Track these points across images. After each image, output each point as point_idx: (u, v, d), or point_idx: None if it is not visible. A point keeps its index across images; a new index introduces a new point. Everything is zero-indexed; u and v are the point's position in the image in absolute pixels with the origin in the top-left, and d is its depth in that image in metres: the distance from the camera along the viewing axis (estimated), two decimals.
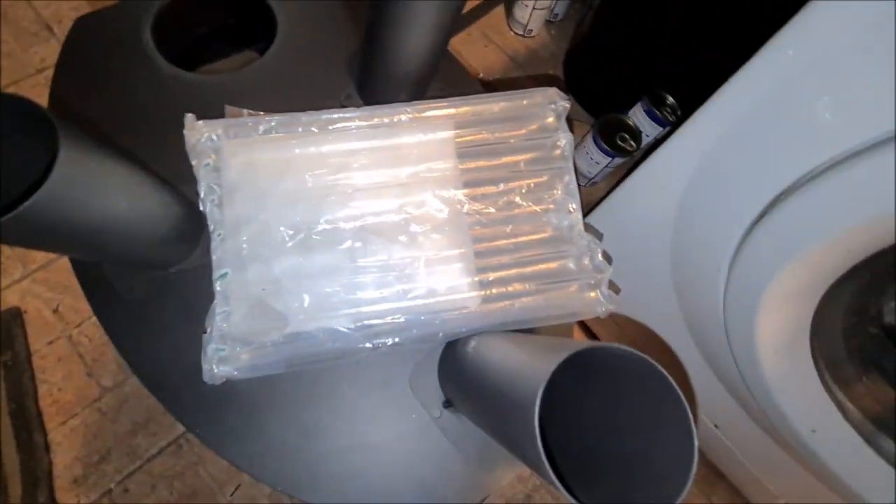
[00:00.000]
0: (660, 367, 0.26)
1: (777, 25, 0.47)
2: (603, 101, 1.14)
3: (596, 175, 1.02)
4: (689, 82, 1.00)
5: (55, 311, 0.92)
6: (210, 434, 0.45)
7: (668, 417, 0.27)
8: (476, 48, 1.24)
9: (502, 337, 0.40)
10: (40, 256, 0.95)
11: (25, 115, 0.29)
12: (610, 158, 0.97)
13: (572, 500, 0.24)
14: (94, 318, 0.95)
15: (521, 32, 1.24)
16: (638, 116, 1.01)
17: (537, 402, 0.24)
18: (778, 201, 0.50)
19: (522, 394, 0.26)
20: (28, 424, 0.86)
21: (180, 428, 0.89)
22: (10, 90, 1.09)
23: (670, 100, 1.00)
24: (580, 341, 0.28)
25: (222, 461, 0.89)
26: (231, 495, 0.87)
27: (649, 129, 1.00)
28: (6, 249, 0.95)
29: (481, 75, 1.20)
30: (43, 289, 0.94)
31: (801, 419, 0.59)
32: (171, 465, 0.88)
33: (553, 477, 0.23)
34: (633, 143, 0.97)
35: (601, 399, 0.33)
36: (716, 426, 0.84)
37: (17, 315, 0.91)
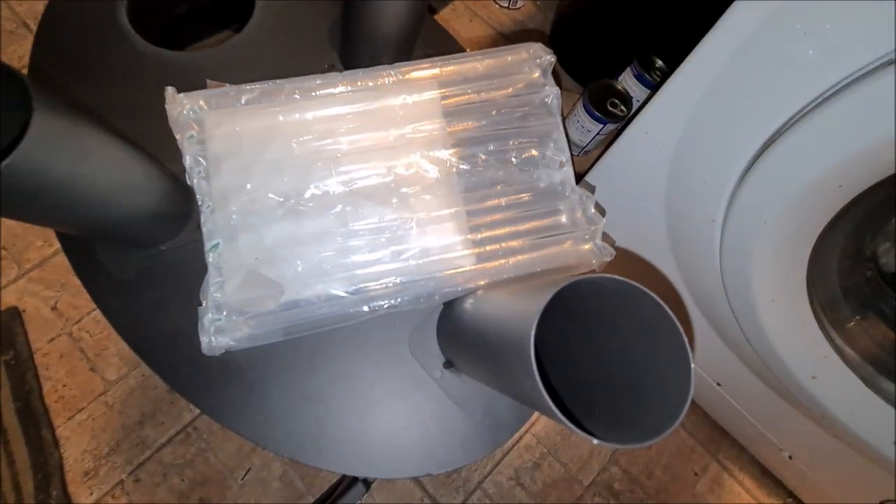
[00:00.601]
0: (651, 293, 0.26)
1: None
2: (592, 69, 1.13)
3: (588, 143, 1.02)
4: (676, 43, 0.99)
5: (53, 308, 0.92)
6: (213, 406, 0.45)
7: (664, 346, 0.27)
8: (461, 23, 1.23)
9: (496, 290, 0.40)
10: (34, 255, 0.95)
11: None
12: (601, 125, 0.96)
13: (574, 429, 0.24)
14: (94, 314, 0.96)
15: (506, 5, 1.23)
16: (628, 81, 1.00)
17: (532, 330, 0.24)
18: (767, 145, 0.50)
19: (518, 331, 0.26)
20: (36, 421, 0.86)
21: (188, 416, 0.89)
22: None
23: (659, 62, 0.99)
24: (573, 276, 0.28)
25: (231, 447, 0.90)
26: (242, 479, 0.88)
27: (640, 94, 0.99)
28: (0, 251, 0.94)
29: (467, 50, 1.19)
30: (40, 287, 0.93)
31: (801, 366, 0.59)
32: (181, 453, 0.88)
33: (553, 406, 0.23)
34: (623, 108, 0.96)
35: (595, 335, 0.33)
36: (718, 384, 0.84)
37: (15, 315, 0.91)
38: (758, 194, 0.51)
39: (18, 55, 1.10)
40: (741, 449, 0.97)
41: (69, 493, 0.84)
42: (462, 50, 0.58)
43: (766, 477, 0.96)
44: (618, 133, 0.85)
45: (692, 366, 0.24)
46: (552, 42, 1.20)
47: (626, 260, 0.78)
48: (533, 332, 0.24)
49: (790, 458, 0.84)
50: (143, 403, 0.90)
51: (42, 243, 0.95)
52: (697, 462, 0.98)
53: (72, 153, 0.30)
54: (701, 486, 0.96)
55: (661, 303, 0.25)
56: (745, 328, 0.62)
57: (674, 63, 1.03)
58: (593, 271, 0.47)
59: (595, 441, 0.23)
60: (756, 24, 0.46)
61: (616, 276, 0.26)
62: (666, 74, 0.98)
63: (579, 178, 0.77)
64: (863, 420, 0.59)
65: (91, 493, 0.84)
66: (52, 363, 0.90)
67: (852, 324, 0.57)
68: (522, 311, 0.27)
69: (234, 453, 0.89)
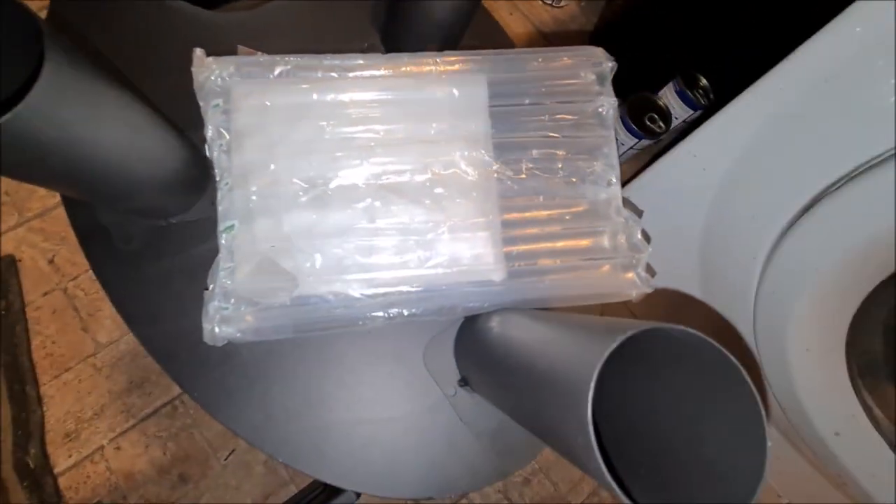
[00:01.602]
0: (727, 353, 0.23)
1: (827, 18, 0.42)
2: (631, 81, 1.08)
3: (620, 157, 0.98)
4: (723, 65, 0.95)
5: (51, 261, 0.89)
6: (208, 397, 0.42)
7: (730, 411, 0.24)
8: (500, 15, 1.18)
9: (534, 315, 0.37)
10: (37, 204, 0.91)
11: (10, 20, 0.25)
12: (637, 139, 0.92)
13: (623, 497, 0.21)
14: (91, 272, 0.93)
15: (549, 2, 1.18)
16: (668, 97, 0.96)
17: (591, 388, 0.21)
18: (828, 191, 0.46)
19: (569, 378, 0.23)
20: (21, 376, 0.84)
21: (177, 389, 0.87)
22: None
23: (703, 81, 0.95)
24: (633, 321, 0.25)
25: (218, 426, 0.88)
26: (225, 460, 0.85)
27: (679, 112, 0.95)
28: (2, 195, 0.91)
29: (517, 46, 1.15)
30: (39, 238, 0.90)
31: (826, 421, 0.56)
32: (166, 425, 0.86)
33: (606, 475, 0.20)
34: (662, 124, 0.92)
35: (646, 385, 0.30)
36: None
37: (11, 263, 0.88)
38: (810, 241, 0.48)
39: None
40: None
41: (48, 453, 0.81)
42: (512, 45, 0.54)
43: None
44: (659, 152, 0.81)
45: (768, 444, 0.21)
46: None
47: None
48: (593, 385, 0.21)
49: None
50: (132, 370, 0.87)
51: (45, 192, 0.92)
52: None
53: (83, 112, 0.27)
54: None
55: (733, 358, 0.22)
56: (769, 373, 0.58)
57: (718, 84, 0.99)
58: (627, 302, 0.44)
59: None
60: (842, 60, 0.42)
61: (690, 329, 0.23)
62: (709, 94, 0.93)
63: None
64: (883, 485, 0.57)
65: (70, 456, 0.82)
66: (44, 318, 0.87)
67: (887, 387, 0.54)
68: (576, 359, 0.23)
69: (220, 432, 0.86)
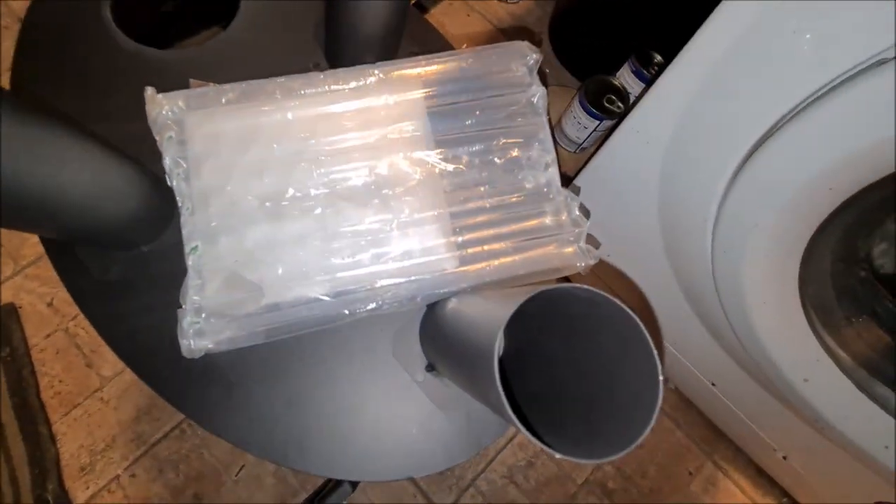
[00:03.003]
0: (616, 300, 0.25)
1: None
2: (591, 65, 1.11)
3: (585, 140, 1.00)
4: (675, 38, 0.97)
5: (49, 304, 0.93)
6: (195, 408, 0.45)
7: (635, 356, 0.26)
8: (458, 17, 1.21)
9: (476, 295, 0.39)
10: (30, 251, 0.95)
11: None
12: (598, 121, 0.95)
13: (536, 442, 0.23)
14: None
15: None
16: (626, 77, 0.98)
17: (497, 340, 0.24)
18: (758, 146, 0.49)
19: (484, 340, 0.26)
20: (32, 417, 0.87)
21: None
22: None
23: (658, 58, 0.97)
24: (547, 284, 0.28)
25: (226, 443, 0.91)
26: (236, 475, 0.88)
27: (637, 89, 0.97)
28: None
29: (465, 45, 1.18)
30: (36, 284, 0.94)
31: (794, 369, 0.59)
32: (177, 448, 0.89)
33: (513, 417, 0.23)
34: (620, 104, 0.95)
35: (567, 342, 0.33)
36: (713, 384, 0.84)
37: (12, 311, 0.92)
38: (749, 195, 0.50)
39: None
40: (737, 449, 0.97)
41: (66, 487, 0.85)
42: (450, 48, 0.57)
43: (762, 477, 0.96)
44: (610, 131, 0.83)
45: (661, 378, 0.24)
46: (551, 37, 1.18)
47: (622, 261, 0.78)
48: (498, 342, 0.24)
49: (785, 458, 0.83)
50: (138, 399, 0.90)
51: (38, 240, 0.96)
52: (692, 462, 0.97)
53: (43, 162, 0.30)
54: (695, 485, 0.96)
55: (630, 312, 0.25)
56: (737, 330, 0.61)
57: (672, 59, 1.01)
58: (579, 274, 0.47)
59: (557, 455, 0.22)
60: (748, 22, 0.45)
61: (584, 286, 0.25)
62: (664, 70, 0.96)
63: (577, 174, 0.76)
64: (856, 424, 0.59)
65: (87, 488, 0.85)
66: (49, 359, 0.91)
67: (846, 327, 0.56)
68: (491, 319, 0.26)
69: (228, 450, 0.89)
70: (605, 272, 0.80)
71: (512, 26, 1.23)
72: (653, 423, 0.23)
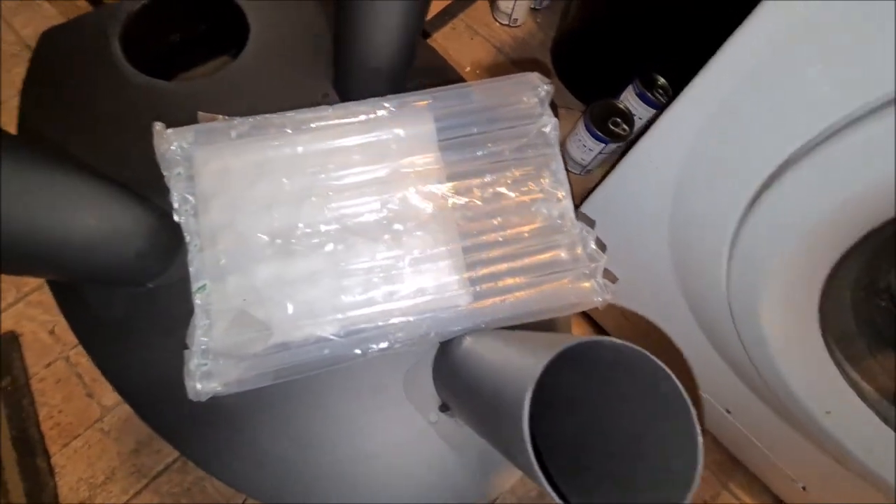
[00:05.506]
0: (656, 359, 0.24)
1: None
2: (594, 87, 1.12)
3: (590, 163, 1.00)
4: (679, 62, 0.98)
5: (51, 332, 0.92)
6: (201, 454, 0.44)
7: (668, 411, 0.25)
8: (462, 41, 1.22)
9: (494, 335, 0.38)
10: (33, 279, 0.94)
11: None
12: (603, 144, 0.95)
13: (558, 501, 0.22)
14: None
15: (506, 22, 1.22)
16: (630, 100, 0.98)
17: (526, 404, 0.22)
18: (774, 178, 0.48)
19: (512, 395, 0.25)
20: (31, 449, 0.85)
21: None
22: None
23: (662, 81, 0.97)
24: (572, 336, 0.26)
25: None
26: None
27: (642, 112, 0.97)
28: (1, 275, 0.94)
29: (468, 69, 1.18)
30: (38, 311, 0.93)
31: (815, 401, 0.57)
32: (178, 481, 0.87)
33: (545, 483, 0.21)
34: (626, 127, 0.95)
35: (600, 394, 0.31)
36: (728, 411, 0.82)
37: (13, 339, 0.90)
38: (765, 227, 0.49)
39: (21, 77, 1.11)
40: (753, 477, 0.94)
41: None
42: (460, 77, 0.56)
43: None
44: (620, 155, 0.83)
45: (699, 439, 0.22)
46: (554, 60, 1.19)
47: (632, 293, 0.76)
48: (527, 403, 0.22)
49: (804, 489, 0.81)
50: (139, 430, 0.88)
51: None
52: (707, 490, 0.95)
53: (47, 211, 0.29)
54: None
55: (669, 372, 0.24)
56: (756, 361, 0.59)
57: (676, 82, 1.01)
58: (596, 309, 0.46)
59: None
60: (767, 51, 0.44)
61: (619, 341, 0.24)
62: (669, 93, 0.96)
63: (584, 197, 0.76)
64: (879, 456, 0.57)
65: None
66: (49, 389, 0.89)
67: (868, 358, 0.55)
68: (514, 371, 0.25)
69: None
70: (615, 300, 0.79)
71: (515, 49, 1.23)
72: (695, 485, 0.22)
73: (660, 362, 0.24)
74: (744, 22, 0.46)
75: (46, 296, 0.94)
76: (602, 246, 0.45)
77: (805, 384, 0.56)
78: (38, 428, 0.87)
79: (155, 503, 0.85)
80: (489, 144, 0.47)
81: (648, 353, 0.25)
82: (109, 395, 0.90)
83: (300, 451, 0.44)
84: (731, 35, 0.47)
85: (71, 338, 0.92)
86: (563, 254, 0.45)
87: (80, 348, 0.90)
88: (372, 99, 0.47)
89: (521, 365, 0.26)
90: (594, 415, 0.31)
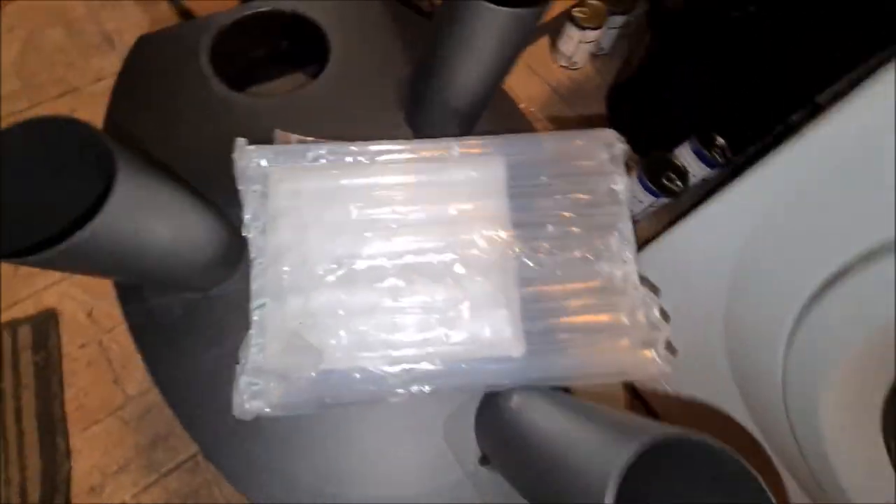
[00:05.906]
0: (753, 471, 0.23)
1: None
2: (647, 137, 1.11)
3: (638, 214, 0.99)
4: (738, 124, 0.96)
5: (89, 314, 0.94)
6: (230, 466, 0.43)
7: None
8: (519, 78, 1.24)
9: (550, 399, 0.37)
10: None
11: (83, 140, 0.29)
12: (654, 198, 0.93)
13: None
14: (126, 325, 0.97)
15: (565, 64, 1.23)
16: (685, 156, 0.97)
17: (610, 494, 0.21)
18: (850, 269, 0.46)
19: (588, 477, 0.23)
20: (52, 427, 0.86)
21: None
22: (69, 97, 1.14)
23: (720, 140, 0.96)
24: (657, 424, 0.25)
25: None
26: None
27: (697, 170, 0.96)
28: None
29: (522, 105, 1.19)
30: (79, 291, 0.95)
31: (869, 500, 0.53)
32: (188, 481, 0.86)
33: None
34: (679, 183, 0.93)
35: (665, 481, 0.30)
36: None
37: (52, 316, 0.93)
38: (836, 316, 0.47)
39: (99, 67, 1.17)
40: None
41: None
42: (528, 122, 0.57)
43: None
44: (677, 216, 0.81)
45: None
46: (609, 106, 1.19)
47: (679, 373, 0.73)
48: (612, 493, 0.21)
49: None
50: (158, 424, 0.89)
51: None
52: None
53: (144, 214, 0.30)
54: None
55: (762, 482, 0.22)
56: (807, 454, 0.56)
57: (735, 141, 1.00)
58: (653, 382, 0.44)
59: None
60: (861, 137, 0.43)
61: (716, 441, 0.23)
62: (727, 154, 0.95)
63: None
64: None
65: None
66: (79, 370, 0.91)
67: None
68: (595, 458, 0.24)
69: None
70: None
71: (571, 90, 1.24)
72: None
73: (754, 471, 0.23)
74: (839, 107, 0.44)
75: (90, 278, 0.96)
76: (666, 315, 0.44)
77: (860, 484, 0.53)
78: (63, 408, 0.88)
79: (162, 501, 0.84)
80: (557, 196, 0.47)
81: (745, 461, 0.23)
82: (134, 384, 0.91)
83: (331, 484, 0.43)
84: (825, 114, 0.46)
85: (107, 322, 0.94)
86: (623, 317, 0.44)
87: (115, 333, 0.92)
88: (447, 138, 0.47)
89: (603, 447, 0.24)
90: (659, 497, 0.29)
